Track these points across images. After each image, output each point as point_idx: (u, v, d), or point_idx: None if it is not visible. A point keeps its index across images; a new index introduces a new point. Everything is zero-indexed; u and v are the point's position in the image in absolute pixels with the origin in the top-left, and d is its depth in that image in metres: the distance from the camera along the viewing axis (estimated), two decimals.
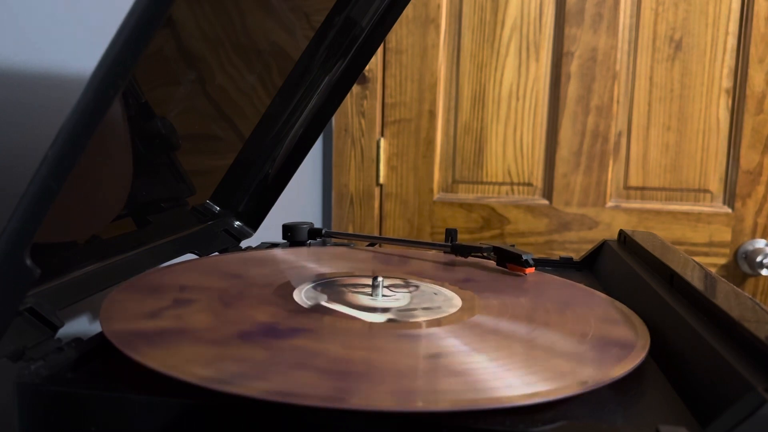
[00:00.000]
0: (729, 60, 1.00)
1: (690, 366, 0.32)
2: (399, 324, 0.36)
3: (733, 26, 0.99)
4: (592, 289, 0.45)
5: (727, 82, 1.00)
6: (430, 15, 1.05)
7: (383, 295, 0.41)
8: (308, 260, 0.50)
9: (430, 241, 1.02)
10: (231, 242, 0.58)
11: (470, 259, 0.53)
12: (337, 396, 0.27)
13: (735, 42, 0.99)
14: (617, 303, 0.42)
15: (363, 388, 0.28)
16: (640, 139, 1.03)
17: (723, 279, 0.40)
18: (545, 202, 1.06)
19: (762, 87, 0.98)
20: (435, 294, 0.43)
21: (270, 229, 0.67)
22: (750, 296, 0.36)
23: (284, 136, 0.58)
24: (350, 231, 1.10)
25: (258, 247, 0.56)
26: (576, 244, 1.06)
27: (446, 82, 1.07)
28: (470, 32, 1.05)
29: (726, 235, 1.02)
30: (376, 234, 1.11)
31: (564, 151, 1.04)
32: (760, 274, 1.00)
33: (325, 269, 0.48)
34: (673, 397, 0.31)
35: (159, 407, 0.27)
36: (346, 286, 0.43)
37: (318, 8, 0.52)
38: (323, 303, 0.39)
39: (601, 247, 0.55)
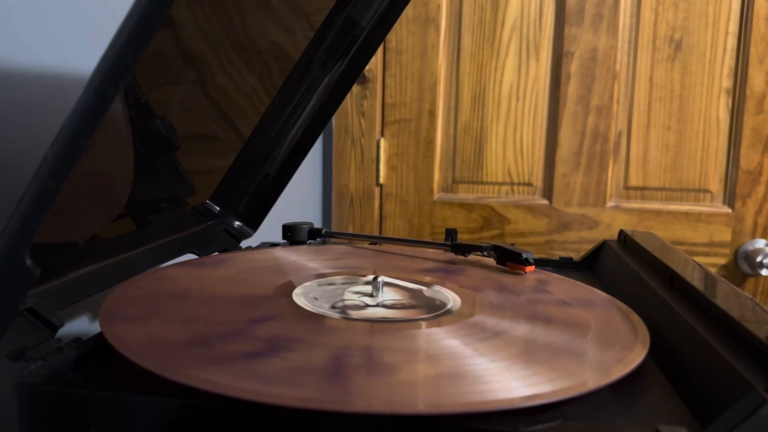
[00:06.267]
0: (729, 60, 1.00)
1: (690, 366, 0.32)
2: (398, 324, 0.36)
3: (733, 26, 0.99)
4: (592, 288, 0.45)
5: (727, 82, 1.00)
6: (430, 15, 1.05)
7: (383, 295, 0.41)
8: (309, 259, 0.50)
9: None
10: (231, 242, 0.58)
11: (470, 257, 0.53)
12: (337, 398, 0.27)
13: (735, 42, 0.99)
14: (618, 302, 0.42)
15: (362, 390, 0.28)
16: (640, 139, 1.03)
17: (723, 279, 0.40)
18: (545, 202, 1.06)
19: (762, 87, 0.98)
20: (434, 293, 0.42)
21: (270, 229, 0.67)
22: (750, 296, 0.36)
23: (284, 136, 0.58)
24: (350, 231, 1.10)
25: (258, 247, 0.56)
26: (576, 244, 1.06)
27: (446, 82, 1.07)
28: (470, 32, 1.05)
29: (726, 235, 1.02)
30: (376, 234, 1.11)
31: (564, 151, 1.04)
32: (760, 274, 1.00)
33: (325, 268, 0.48)
34: (673, 397, 0.31)
35: (159, 407, 0.27)
36: (346, 285, 0.43)
37: (318, 8, 0.52)
38: (323, 303, 0.39)
39: (601, 247, 0.55)
